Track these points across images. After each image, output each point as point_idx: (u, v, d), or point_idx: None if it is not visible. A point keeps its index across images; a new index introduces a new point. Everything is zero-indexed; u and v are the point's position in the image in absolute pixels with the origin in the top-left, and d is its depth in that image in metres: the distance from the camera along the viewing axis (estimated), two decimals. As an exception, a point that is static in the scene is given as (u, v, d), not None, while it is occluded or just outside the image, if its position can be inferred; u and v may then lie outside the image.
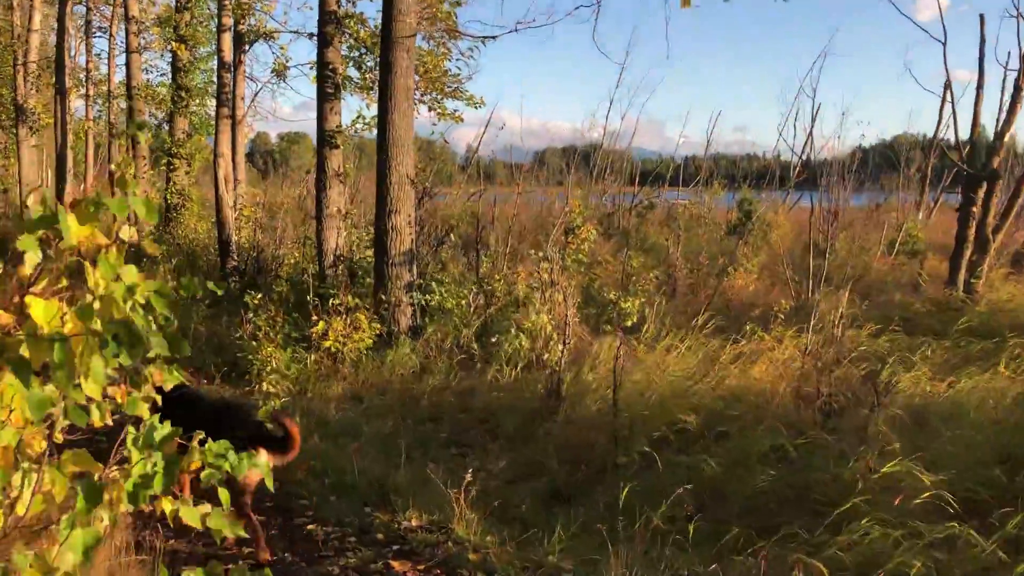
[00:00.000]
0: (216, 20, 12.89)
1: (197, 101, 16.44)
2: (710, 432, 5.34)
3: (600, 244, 14.99)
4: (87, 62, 19.66)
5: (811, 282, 9.72)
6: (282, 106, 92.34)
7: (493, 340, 7.58)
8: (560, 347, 6.43)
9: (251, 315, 7.96)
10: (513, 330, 7.47)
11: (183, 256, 13.71)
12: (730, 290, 11.50)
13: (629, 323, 8.73)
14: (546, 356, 6.74)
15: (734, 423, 5.57)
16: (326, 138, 10.69)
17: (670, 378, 6.35)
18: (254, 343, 7.44)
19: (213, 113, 13.30)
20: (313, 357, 7.72)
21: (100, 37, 19.66)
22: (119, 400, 2.24)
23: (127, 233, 2.16)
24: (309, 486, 5.11)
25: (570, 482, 5.10)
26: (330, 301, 8.08)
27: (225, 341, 8.66)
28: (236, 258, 12.27)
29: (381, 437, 6.04)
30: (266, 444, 4.04)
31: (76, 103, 21.06)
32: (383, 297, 8.47)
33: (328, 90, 10.67)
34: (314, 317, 7.95)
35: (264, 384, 5.79)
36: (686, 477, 4.88)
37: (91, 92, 19.42)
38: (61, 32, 17.79)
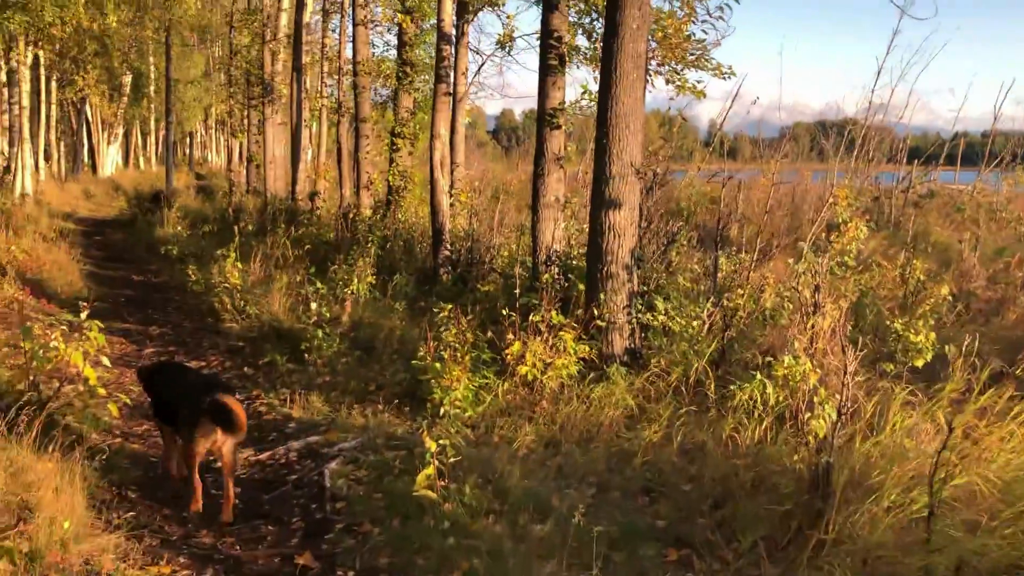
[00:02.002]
0: (438, -14, 11.84)
1: (422, 77, 15.68)
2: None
3: (865, 239, 12.42)
4: (323, 38, 19.70)
5: None
6: (524, 81, 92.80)
7: (732, 387, 5.77)
8: (833, 415, 4.55)
9: (441, 329, 6.71)
10: (758, 375, 5.60)
11: (400, 243, 12.98)
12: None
13: (920, 363, 6.58)
14: (807, 418, 4.88)
15: None
16: (546, 117, 9.32)
17: (1000, 476, 4.26)
18: (438, 365, 6.20)
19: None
20: (505, 386, 6.36)
21: (337, 13, 19.60)
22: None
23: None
24: (462, 609, 3.70)
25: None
26: (531, 316, 6.67)
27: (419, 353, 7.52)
28: (450, 248, 11.28)
29: (574, 519, 4.52)
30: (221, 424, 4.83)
31: (315, 80, 21.38)
32: (595, 312, 6.93)
33: (551, 62, 9.27)
34: (509, 336, 6.58)
35: (428, 442, 4.46)
36: None
37: (326, 68, 19.45)
38: (300, 8, 17.86)
